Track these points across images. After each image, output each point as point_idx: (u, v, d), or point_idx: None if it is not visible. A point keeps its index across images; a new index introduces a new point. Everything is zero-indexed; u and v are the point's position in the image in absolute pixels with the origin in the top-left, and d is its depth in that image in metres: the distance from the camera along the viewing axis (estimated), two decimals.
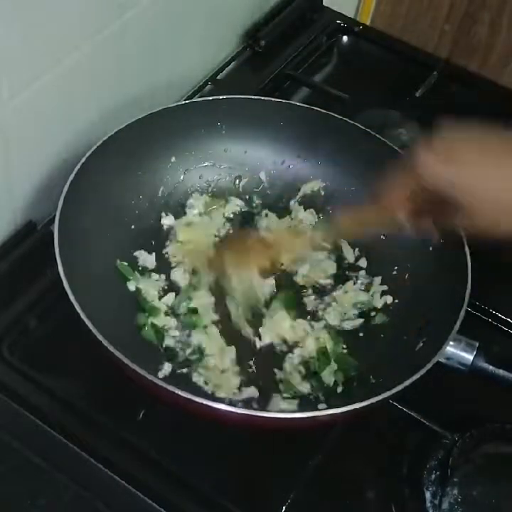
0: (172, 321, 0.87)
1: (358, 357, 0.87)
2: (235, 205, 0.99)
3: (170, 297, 0.89)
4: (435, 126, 0.74)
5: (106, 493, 0.75)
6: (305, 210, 0.99)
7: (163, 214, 0.96)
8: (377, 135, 0.95)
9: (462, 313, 0.79)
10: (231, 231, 0.97)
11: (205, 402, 0.71)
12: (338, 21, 1.29)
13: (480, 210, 0.71)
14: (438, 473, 0.78)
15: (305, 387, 0.84)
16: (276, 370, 0.85)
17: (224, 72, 1.16)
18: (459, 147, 0.72)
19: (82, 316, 0.73)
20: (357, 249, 0.96)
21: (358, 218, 0.87)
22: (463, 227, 0.80)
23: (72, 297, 0.74)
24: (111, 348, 0.71)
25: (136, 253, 0.92)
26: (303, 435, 0.77)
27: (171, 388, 0.70)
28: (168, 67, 1.06)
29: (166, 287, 0.91)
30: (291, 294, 0.92)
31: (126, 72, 0.97)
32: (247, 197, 1.00)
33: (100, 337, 0.72)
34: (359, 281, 0.94)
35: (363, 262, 0.95)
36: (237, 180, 1.01)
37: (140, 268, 0.91)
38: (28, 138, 0.86)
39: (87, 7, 0.84)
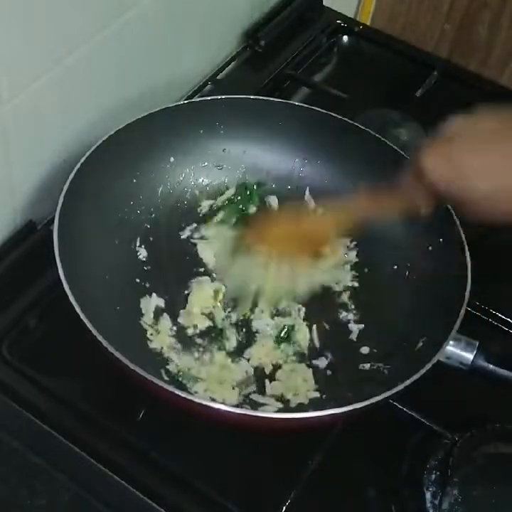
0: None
1: None
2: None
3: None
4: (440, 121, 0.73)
5: (106, 493, 0.75)
6: None
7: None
8: (377, 135, 0.95)
9: (462, 312, 0.79)
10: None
11: (204, 402, 0.71)
12: (338, 21, 1.29)
13: (478, 205, 0.71)
14: (438, 473, 0.78)
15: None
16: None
17: (224, 72, 1.16)
18: (458, 141, 0.71)
19: (82, 316, 0.73)
20: (353, 244, 0.96)
21: (375, 201, 0.84)
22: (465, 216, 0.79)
23: (71, 298, 0.74)
24: (111, 349, 0.71)
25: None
26: (303, 435, 0.77)
27: (170, 389, 0.70)
28: (168, 67, 1.06)
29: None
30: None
31: (126, 72, 0.97)
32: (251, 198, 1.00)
33: (100, 337, 0.72)
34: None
35: (350, 256, 0.96)
36: (237, 181, 1.01)
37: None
38: (28, 138, 0.86)
39: (87, 7, 0.84)
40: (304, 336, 0.89)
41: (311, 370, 0.86)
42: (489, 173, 0.68)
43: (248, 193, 1.00)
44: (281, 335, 0.88)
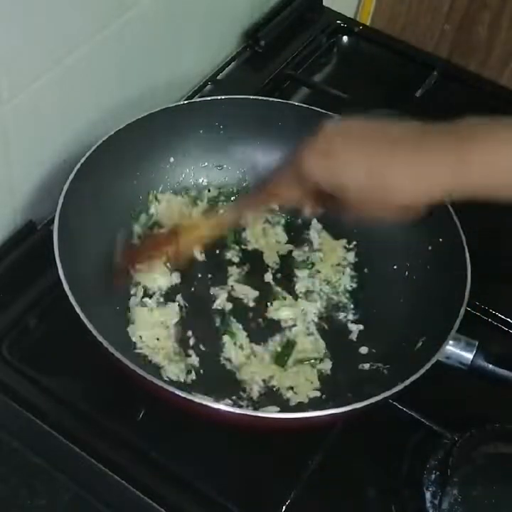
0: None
1: None
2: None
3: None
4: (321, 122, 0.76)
5: (106, 493, 0.75)
6: None
7: None
8: None
9: (462, 312, 0.79)
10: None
11: (204, 402, 0.71)
12: (338, 21, 1.29)
13: (354, 202, 0.73)
14: (438, 473, 0.78)
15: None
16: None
17: (224, 72, 1.16)
18: (337, 140, 0.74)
19: (82, 316, 0.73)
20: (353, 244, 0.96)
21: (242, 205, 0.90)
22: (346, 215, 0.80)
23: (71, 298, 0.74)
24: (111, 349, 0.71)
25: None
26: (303, 435, 0.77)
27: (170, 388, 0.70)
28: (168, 67, 1.06)
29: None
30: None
31: (126, 72, 0.97)
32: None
33: (100, 337, 0.72)
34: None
35: (350, 256, 0.96)
36: (236, 181, 1.01)
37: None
38: (28, 138, 0.86)
39: (87, 7, 0.84)
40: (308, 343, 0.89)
41: (315, 370, 0.86)
42: (355, 171, 0.71)
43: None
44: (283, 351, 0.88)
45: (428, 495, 0.77)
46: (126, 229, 0.92)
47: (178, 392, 0.70)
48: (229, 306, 0.90)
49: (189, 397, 0.71)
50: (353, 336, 0.90)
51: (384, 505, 0.79)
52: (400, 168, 0.71)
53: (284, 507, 0.76)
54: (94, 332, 0.72)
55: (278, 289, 0.93)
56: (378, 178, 0.71)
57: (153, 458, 0.78)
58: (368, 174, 0.71)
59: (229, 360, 0.86)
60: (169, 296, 0.90)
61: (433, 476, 0.78)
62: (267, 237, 0.97)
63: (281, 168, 0.81)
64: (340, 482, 0.80)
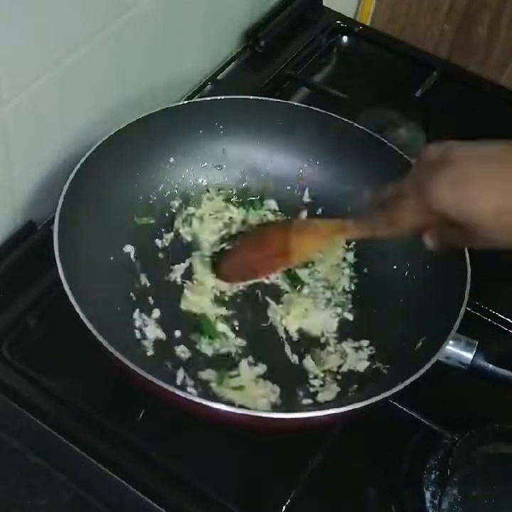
0: None
1: None
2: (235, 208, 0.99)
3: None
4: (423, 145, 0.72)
5: (106, 493, 0.75)
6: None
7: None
8: (377, 135, 0.95)
9: (462, 312, 0.79)
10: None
11: (204, 402, 0.71)
12: (338, 21, 1.29)
13: (483, 228, 0.69)
14: (438, 473, 0.78)
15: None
16: None
17: (224, 72, 1.16)
18: (473, 164, 0.69)
19: (82, 316, 0.73)
20: (353, 244, 0.96)
21: (363, 225, 0.82)
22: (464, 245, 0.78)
23: (72, 298, 0.74)
24: (111, 349, 0.71)
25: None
26: (303, 435, 0.77)
27: (170, 389, 0.70)
28: (168, 67, 1.06)
29: None
30: None
31: (126, 72, 0.97)
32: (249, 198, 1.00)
33: (100, 338, 0.72)
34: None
35: (349, 256, 0.96)
36: (236, 181, 1.01)
37: None
38: (28, 138, 0.86)
39: (87, 7, 0.84)
40: None
41: None
42: (492, 195, 0.67)
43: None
44: None
45: (428, 495, 0.77)
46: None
47: (178, 392, 0.70)
48: None
49: (189, 397, 0.71)
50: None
51: (384, 505, 0.79)
52: None
53: (284, 507, 0.76)
54: (95, 332, 0.72)
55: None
56: None
57: (153, 458, 0.78)
58: (503, 198, 0.67)
59: None
60: None
61: (433, 476, 0.78)
62: None
63: (399, 195, 0.74)
64: (340, 482, 0.80)
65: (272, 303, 0.91)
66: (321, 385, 0.85)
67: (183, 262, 0.93)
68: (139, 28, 0.94)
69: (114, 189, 0.91)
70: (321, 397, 0.83)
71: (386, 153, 0.93)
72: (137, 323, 0.87)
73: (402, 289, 0.91)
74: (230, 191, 1.00)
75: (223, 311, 0.90)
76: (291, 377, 0.86)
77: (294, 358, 0.87)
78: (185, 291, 0.91)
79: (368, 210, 0.80)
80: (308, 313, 0.90)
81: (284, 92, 1.17)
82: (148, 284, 0.90)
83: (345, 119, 0.96)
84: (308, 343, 0.89)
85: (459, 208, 0.68)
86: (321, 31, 1.27)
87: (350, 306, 0.93)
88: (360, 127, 0.95)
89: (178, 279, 0.92)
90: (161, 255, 0.94)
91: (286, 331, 0.89)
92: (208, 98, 0.98)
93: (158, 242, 0.95)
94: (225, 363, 0.85)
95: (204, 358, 0.86)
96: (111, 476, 0.76)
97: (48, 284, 0.87)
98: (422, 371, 0.74)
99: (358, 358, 0.87)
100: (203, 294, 0.91)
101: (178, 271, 0.92)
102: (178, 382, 0.82)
